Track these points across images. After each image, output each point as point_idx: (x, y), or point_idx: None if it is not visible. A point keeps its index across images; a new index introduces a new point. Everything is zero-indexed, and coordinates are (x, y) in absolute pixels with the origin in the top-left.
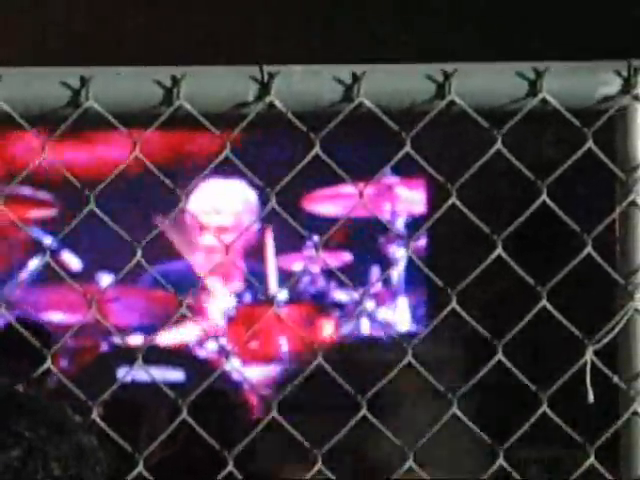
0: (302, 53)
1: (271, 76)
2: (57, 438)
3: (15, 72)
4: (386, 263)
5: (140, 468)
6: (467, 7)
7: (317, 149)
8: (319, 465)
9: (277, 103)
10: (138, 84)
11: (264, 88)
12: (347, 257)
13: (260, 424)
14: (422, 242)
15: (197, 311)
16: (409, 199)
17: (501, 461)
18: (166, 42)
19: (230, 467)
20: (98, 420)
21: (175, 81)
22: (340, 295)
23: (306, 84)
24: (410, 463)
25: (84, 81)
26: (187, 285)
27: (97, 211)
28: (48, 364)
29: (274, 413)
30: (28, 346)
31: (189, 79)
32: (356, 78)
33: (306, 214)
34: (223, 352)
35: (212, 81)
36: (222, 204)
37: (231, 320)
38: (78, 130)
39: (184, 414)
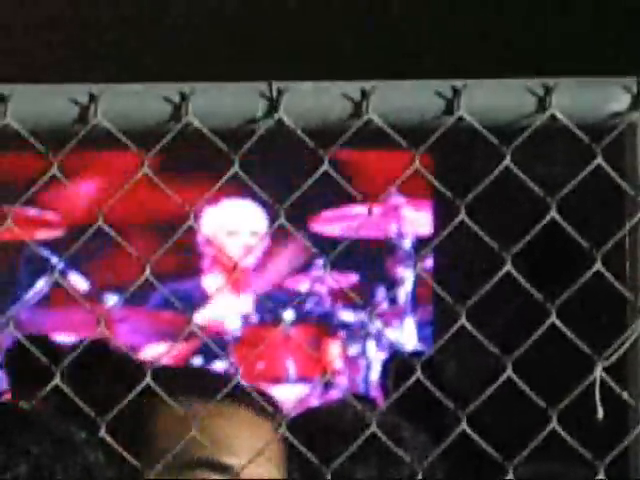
0: (309, 70)
1: (280, 92)
2: (64, 455)
3: (24, 89)
4: (393, 283)
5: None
6: (478, 24)
7: (326, 166)
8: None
9: (286, 120)
10: (147, 101)
11: (273, 105)
12: (354, 278)
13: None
14: (429, 262)
15: (206, 330)
16: (415, 220)
17: (511, 477)
18: (175, 59)
19: None
20: (107, 437)
21: (183, 97)
22: (347, 315)
23: (315, 101)
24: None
25: (93, 98)
26: (196, 305)
27: (106, 228)
28: (57, 381)
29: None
30: (38, 363)
31: (198, 95)
32: (365, 94)
33: (312, 235)
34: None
35: (221, 97)
36: (241, 224)
37: (238, 340)
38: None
39: (194, 432)
